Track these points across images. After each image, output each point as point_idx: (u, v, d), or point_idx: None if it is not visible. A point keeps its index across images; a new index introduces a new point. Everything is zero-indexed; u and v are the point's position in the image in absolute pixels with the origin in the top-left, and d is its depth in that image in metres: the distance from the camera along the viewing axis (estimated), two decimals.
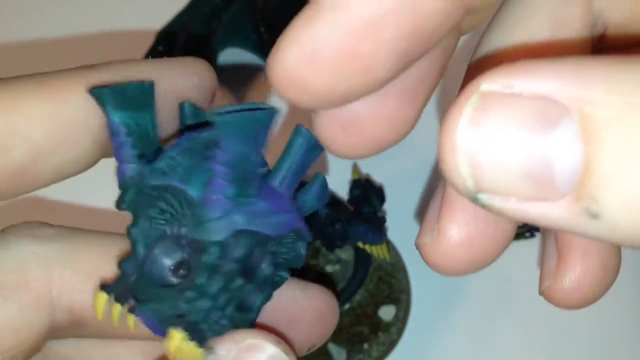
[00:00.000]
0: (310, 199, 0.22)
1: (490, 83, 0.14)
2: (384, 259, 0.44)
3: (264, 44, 0.48)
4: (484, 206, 0.15)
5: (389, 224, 0.45)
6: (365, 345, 0.43)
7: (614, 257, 0.21)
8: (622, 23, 0.20)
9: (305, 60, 0.17)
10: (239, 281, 0.20)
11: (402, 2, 0.16)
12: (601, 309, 0.42)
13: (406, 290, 0.44)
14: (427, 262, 0.20)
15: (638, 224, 0.13)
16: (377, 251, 0.43)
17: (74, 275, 0.21)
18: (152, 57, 0.48)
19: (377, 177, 0.48)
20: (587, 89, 0.13)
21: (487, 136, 0.14)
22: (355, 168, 0.48)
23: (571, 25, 0.19)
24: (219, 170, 0.19)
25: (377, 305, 0.44)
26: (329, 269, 0.45)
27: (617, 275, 0.22)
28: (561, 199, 0.14)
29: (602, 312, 0.43)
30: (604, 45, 0.21)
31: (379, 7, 0.16)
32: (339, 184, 0.47)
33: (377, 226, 0.43)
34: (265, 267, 0.20)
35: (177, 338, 0.20)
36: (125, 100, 0.19)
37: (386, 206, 0.46)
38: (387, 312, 0.44)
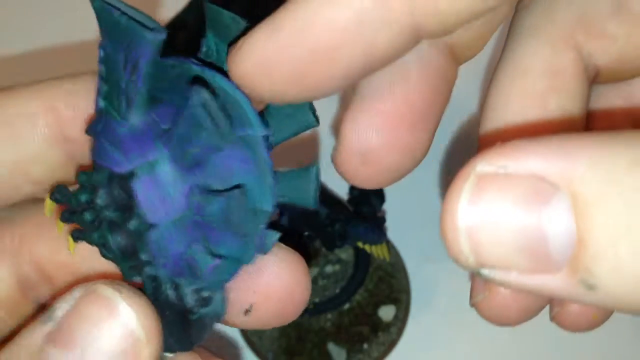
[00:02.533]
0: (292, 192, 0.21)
1: (484, 165, 0.15)
2: (384, 259, 0.44)
3: None
4: (487, 279, 0.16)
5: (389, 224, 0.45)
6: (365, 345, 0.43)
7: None
8: (612, 64, 0.21)
9: (259, 70, 0.18)
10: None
11: (357, 35, 0.17)
12: None
13: (406, 290, 0.44)
14: (485, 318, 0.22)
15: (632, 293, 0.14)
16: (377, 251, 0.43)
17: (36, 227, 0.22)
18: None
19: None
20: (573, 167, 0.14)
21: (484, 215, 0.15)
22: None
23: (565, 72, 0.21)
24: (99, 70, 0.19)
25: (377, 305, 0.44)
26: (329, 269, 0.45)
27: None
28: (558, 272, 0.15)
29: None
30: (599, 82, 0.22)
31: (335, 36, 0.17)
32: (339, 184, 0.47)
33: (377, 226, 0.43)
34: None
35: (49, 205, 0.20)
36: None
37: (386, 206, 0.46)
38: (387, 312, 0.44)
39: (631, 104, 0.23)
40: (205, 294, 0.21)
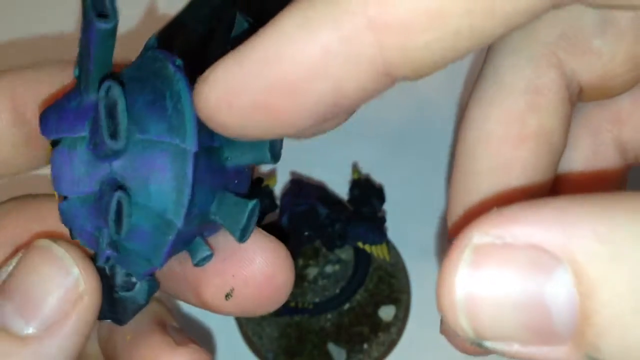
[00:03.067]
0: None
1: (481, 235, 0.15)
2: (384, 259, 0.44)
3: None
4: (488, 350, 0.15)
5: (389, 224, 0.45)
6: (365, 345, 0.43)
7: None
8: (597, 81, 0.21)
9: (222, 101, 0.17)
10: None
11: (324, 70, 0.16)
12: None
13: (406, 290, 0.44)
14: (453, 346, 0.22)
15: None
16: (377, 251, 0.43)
17: None
18: None
19: (377, 177, 0.48)
20: (575, 240, 0.14)
21: (483, 289, 0.15)
22: (355, 168, 0.48)
23: (547, 91, 0.20)
24: None
25: (377, 305, 0.44)
26: (329, 269, 0.45)
27: None
28: (562, 344, 0.14)
29: None
30: (584, 100, 0.22)
31: (300, 70, 0.16)
32: (339, 184, 0.47)
33: (377, 226, 0.43)
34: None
35: None
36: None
37: (386, 206, 0.46)
38: (387, 312, 0.44)
39: (617, 121, 0.23)
40: (133, 279, 0.21)
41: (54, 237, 0.21)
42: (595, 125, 0.23)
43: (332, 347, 0.43)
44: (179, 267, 0.23)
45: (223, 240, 0.22)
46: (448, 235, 0.22)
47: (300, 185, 0.45)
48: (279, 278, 0.22)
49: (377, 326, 0.43)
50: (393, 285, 0.44)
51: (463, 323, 0.15)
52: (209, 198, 0.20)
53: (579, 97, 0.22)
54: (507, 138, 0.20)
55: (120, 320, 0.22)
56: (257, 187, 0.45)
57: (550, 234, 0.14)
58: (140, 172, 0.19)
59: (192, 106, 0.19)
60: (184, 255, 0.22)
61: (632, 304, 0.13)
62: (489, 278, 0.14)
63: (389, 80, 0.17)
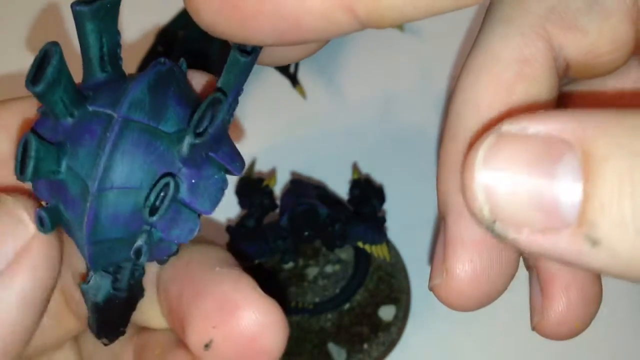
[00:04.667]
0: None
1: (509, 125, 0.16)
2: (384, 259, 0.44)
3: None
4: (499, 236, 0.16)
5: (389, 224, 0.45)
6: (365, 345, 0.43)
7: (595, 289, 0.23)
8: (582, 58, 0.22)
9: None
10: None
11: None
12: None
13: (406, 290, 0.44)
14: (441, 302, 0.22)
15: (633, 249, 0.15)
16: (377, 251, 0.43)
17: None
18: (152, 57, 0.48)
19: (377, 177, 0.48)
20: (586, 128, 0.15)
21: (502, 171, 0.16)
22: (355, 168, 0.48)
23: (535, 61, 0.21)
24: None
25: (377, 305, 0.44)
26: (329, 269, 0.45)
27: (599, 306, 0.23)
28: (567, 229, 0.16)
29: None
30: (571, 76, 0.22)
31: None
32: (339, 184, 0.48)
33: (377, 226, 0.43)
34: None
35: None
36: (100, 17, 0.20)
37: (386, 206, 0.46)
38: (387, 312, 0.44)
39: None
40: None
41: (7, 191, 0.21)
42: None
43: (332, 347, 0.43)
44: (175, 303, 0.22)
45: (215, 283, 0.21)
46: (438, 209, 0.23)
47: (300, 185, 0.45)
48: (265, 341, 0.21)
49: (377, 326, 0.43)
50: (393, 285, 0.44)
51: (481, 201, 0.16)
52: (145, 177, 0.20)
53: (565, 73, 0.22)
54: (495, 104, 0.21)
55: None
56: (257, 187, 0.45)
57: (565, 124, 0.16)
58: (77, 137, 0.20)
59: (144, 85, 0.20)
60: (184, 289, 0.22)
61: (630, 183, 0.15)
62: (508, 162, 0.16)
63: (351, 19, 0.17)
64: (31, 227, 0.20)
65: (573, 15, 0.21)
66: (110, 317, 0.23)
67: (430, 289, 0.22)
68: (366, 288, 0.44)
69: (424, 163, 0.48)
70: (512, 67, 0.21)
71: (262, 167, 0.48)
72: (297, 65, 0.49)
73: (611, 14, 0.21)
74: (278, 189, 0.47)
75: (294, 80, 0.49)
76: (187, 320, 0.22)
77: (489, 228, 0.16)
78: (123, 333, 0.23)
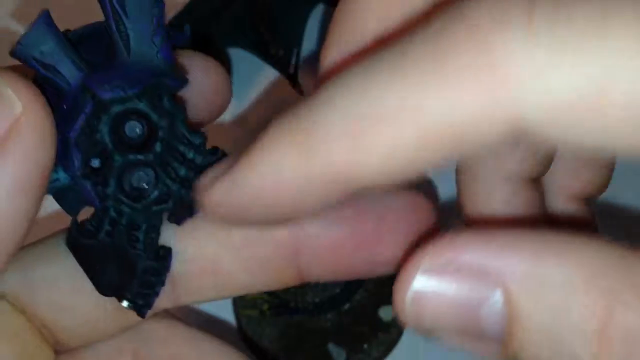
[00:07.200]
0: None
1: (435, 258, 0.18)
2: None
3: (264, 44, 0.48)
4: (433, 339, 0.19)
5: None
6: (365, 345, 0.43)
7: None
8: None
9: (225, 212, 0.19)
10: None
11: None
12: None
13: None
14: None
15: None
16: None
17: None
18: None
19: None
20: (510, 276, 0.17)
21: (428, 295, 0.18)
22: None
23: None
24: None
25: (377, 305, 0.44)
26: None
27: None
28: (492, 343, 0.18)
29: None
30: None
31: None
32: None
33: None
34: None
35: None
36: None
37: None
38: (387, 312, 0.44)
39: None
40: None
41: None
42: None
43: (332, 347, 0.43)
44: None
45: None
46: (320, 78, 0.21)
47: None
48: (221, 103, 0.23)
49: (377, 326, 0.43)
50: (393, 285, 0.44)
51: (410, 321, 0.19)
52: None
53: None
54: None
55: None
56: None
57: (492, 264, 0.17)
58: None
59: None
60: None
61: (547, 340, 0.17)
62: (436, 287, 0.18)
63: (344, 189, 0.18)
64: (17, 104, 0.18)
65: None
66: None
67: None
68: (366, 288, 0.44)
69: None
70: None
71: None
72: (297, 65, 0.49)
73: None
74: None
75: (294, 80, 0.49)
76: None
77: (423, 334, 0.19)
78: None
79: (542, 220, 0.24)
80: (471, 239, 0.18)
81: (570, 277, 0.16)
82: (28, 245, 0.23)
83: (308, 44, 0.50)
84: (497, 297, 0.17)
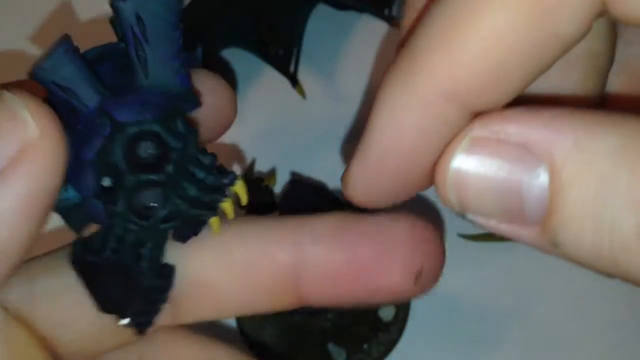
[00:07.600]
0: None
1: (480, 128, 0.17)
2: None
3: (264, 44, 0.48)
4: (470, 221, 0.18)
5: None
6: (365, 345, 0.43)
7: None
8: None
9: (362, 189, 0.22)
10: None
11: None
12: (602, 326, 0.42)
13: None
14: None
15: (587, 258, 0.17)
16: None
17: None
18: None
19: None
20: (558, 145, 0.16)
21: (471, 172, 0.18)
22: None
23: None
24: None
25: (377, 305, 0.44)
26: None
27: None
28: (531, 227, 0.17)
29: (604, 323, 0.43)
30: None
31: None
32: (339, 184, 0.47)
33: None
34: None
35: None
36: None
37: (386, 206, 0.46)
38: (387, 312, 0.44)
39: None
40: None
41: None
42: None
43: (332, 347, 0.43)
44: None
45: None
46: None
47: (300, 185, 0.45)
48: (225, 123, 0.24)
49: (377, 326, 0.43)
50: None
51: (452, 198, 0.18)
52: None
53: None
54: None
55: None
56: (257, 187, 0.45)
57: (538, 136, 0.17)
58: None
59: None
60: None
61: (592, 206, 0.16)
62: (478, 163, 0.17)
63: None
64: (32, 127, 0.18)
65: None
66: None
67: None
68: None
69: None
70: None
71: (262, 167, 0.48)
72: (297, 65, 0.49)
73: None
74: (278, 189, 0.47)
75: (294, 80, 0.49)
76: None
77: (460, 215, 0.18)
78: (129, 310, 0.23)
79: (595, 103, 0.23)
80: (519, 113, 0.17)
81: (619, 147, 0.16)
82: (32, 258, 0.23)
83: (308, 44, 0.50)
84: (541, 176, 0.17)
